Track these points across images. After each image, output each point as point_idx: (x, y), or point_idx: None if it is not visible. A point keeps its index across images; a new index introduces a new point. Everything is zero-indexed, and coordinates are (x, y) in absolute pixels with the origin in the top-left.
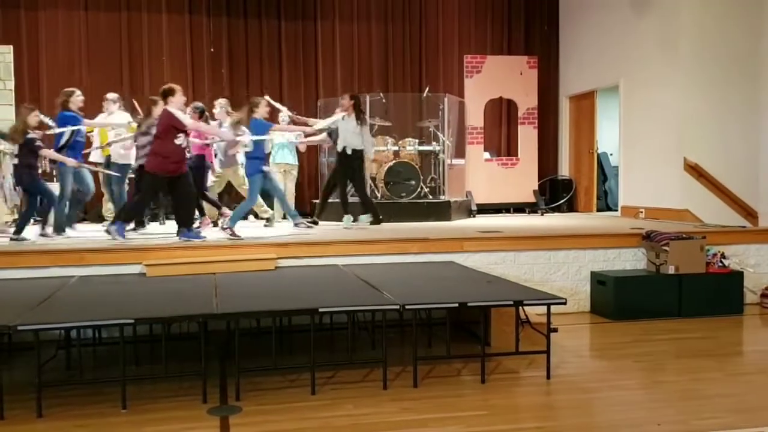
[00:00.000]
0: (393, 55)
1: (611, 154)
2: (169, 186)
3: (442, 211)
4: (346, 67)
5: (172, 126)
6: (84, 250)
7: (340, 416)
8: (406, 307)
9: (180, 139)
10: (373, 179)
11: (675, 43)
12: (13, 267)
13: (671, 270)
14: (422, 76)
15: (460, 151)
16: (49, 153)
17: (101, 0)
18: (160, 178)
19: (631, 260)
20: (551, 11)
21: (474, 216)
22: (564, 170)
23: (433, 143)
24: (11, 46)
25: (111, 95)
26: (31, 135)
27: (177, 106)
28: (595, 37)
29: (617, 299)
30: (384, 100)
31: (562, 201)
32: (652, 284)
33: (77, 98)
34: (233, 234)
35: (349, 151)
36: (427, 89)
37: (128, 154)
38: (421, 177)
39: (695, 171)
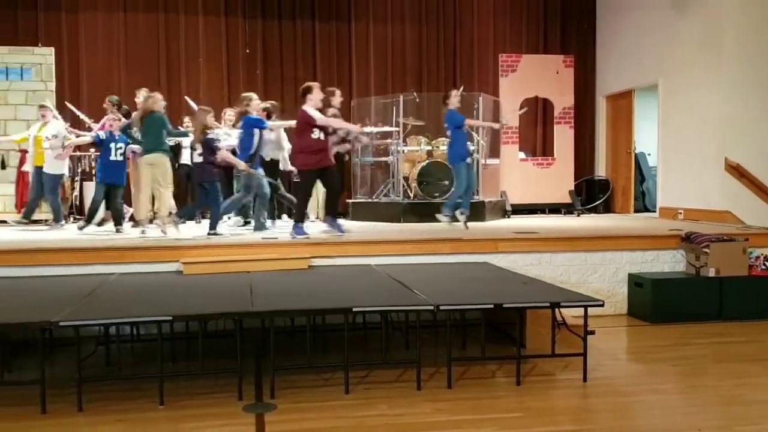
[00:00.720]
0: (427, 55)
1: (649, 154)
2: (319, 178)
3: (476, 212)
4: (379, 67)
5: (306, 122)
6: (124, 248)
7: (374, 416)
8: (441, 307)
9: (316, 134)
10: (406, 179)
11: (717, 42)
12: (55, 264)
13: (712, 272)
14: (456, 76)
15: (494, 151)
16: (225, 154)
17: (140, 2)
18: (309, 172)
19: (669, 262)
20: (588, 9)
21: (509, 216)
22: (601, 170)
23: (467, 143)
24: (53, 48)
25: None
26: (210, 135)
27: (314, 104)
28: (634, 36)
29: (655, 302)
30: (417, 100)
31: (598, 202)
32: (692, 287)
33: (256, 103)
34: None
35: (267, 159)
36: (461, 88)
37: (62, 164)
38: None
39: (737, 171)
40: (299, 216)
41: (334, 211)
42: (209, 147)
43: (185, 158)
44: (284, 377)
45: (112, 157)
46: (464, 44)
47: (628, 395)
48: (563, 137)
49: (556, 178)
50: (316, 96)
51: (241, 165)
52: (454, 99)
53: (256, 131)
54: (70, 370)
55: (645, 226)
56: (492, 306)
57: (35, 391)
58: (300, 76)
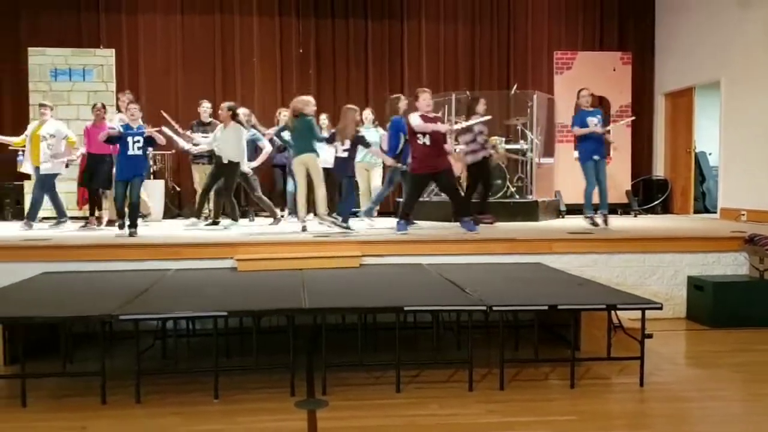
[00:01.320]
0: (480, 53)
1: (710, 154)
2: (435, 182)
3: (529, 211)
4: (432, 66)
5: (409, 130)
6: (180, 245)
7: (426, 415)
8: (494, 308)
9: (421, 139)
10: (458, 178)
11: None
12: (116, 259)
13: None
14: (510, 74)
15: (549, 150)
16: (375, 150)
17: (196, 3)
18: (416, 176)
19: (731, 265)
20: (647, 5)
21: (563, 216)
22: (659, 170)
23: (521, 142)
24: (113, 50)
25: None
26: (361, 132)
27: (422, 108)
28: (695, 32)
29: (716, 305)
30: (470, 99)
31: (656, 202)
32: (755, 291)
33: (404, 103)
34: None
35: (225, 161)
36: (515, 87)
37: (59, 163)
38: (508, 176)
39: None
40: (404, 213)
41: (464, 212)
42: (361, 143)
43: (275, 159)
44: (335, 374)
45: (130, 152)
46: (518, 42)
47: (687, 401)
48: (620, 136)
49: (612, 178)
50: (422, 102)
51: (389, 161)
52: (583, 99)
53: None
54: (128, 362)
55: (705, 227)
56: (546, 307)
57: (96, 382)
58: (352, 75)
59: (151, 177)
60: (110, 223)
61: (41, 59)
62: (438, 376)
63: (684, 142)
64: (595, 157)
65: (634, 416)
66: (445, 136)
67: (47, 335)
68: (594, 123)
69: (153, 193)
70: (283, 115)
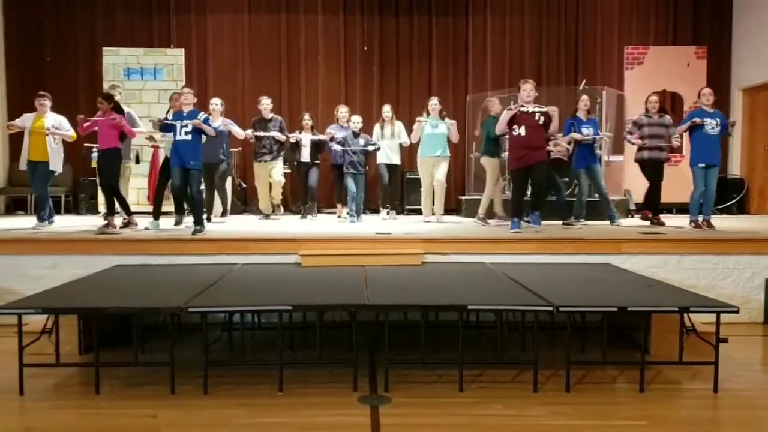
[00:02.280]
0: (547, 47)
1: None
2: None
3: (597, 211)
4: (497, 61)
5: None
6: (247, 240)
7: (489, 415)
8: (560, 308)
9: (516, 131)
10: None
11: None
12: (185, 254)
13: None
14: (578, 69)
15: (618, 147)
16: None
17: (263, 3)
18: (513, 171)
19: None
20: None
21: (632, 216)
22: (735, 169)
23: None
24: (183, 49)
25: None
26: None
27: (523, 99)
28: None
29: None
30: (536, 95)
31: (731, 202)
32: None
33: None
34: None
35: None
36: (583, 82)
37: (59, 160)
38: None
39: None
40: (514, 211)
41: (535, 206)
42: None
43: (305, 156)
44: (397, 371)
45: (178, 137)
46: (587, 36)
47: (764, 409)
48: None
49: (684, 176)
50: (522, 93)
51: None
52: (704, 98)
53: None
54: (196, 353)
55: None
56: (616, 309)
57: (165, 372)
58: (415, 72)
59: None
60: (126, 225)
61: (115, 59)
62: (501, 376)
63: (762, 139)
64: (702, 165)
65: (707, 423)
66: (542, 128)
67: (119, 326)
68: (713, 125)
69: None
70: (342, 112)
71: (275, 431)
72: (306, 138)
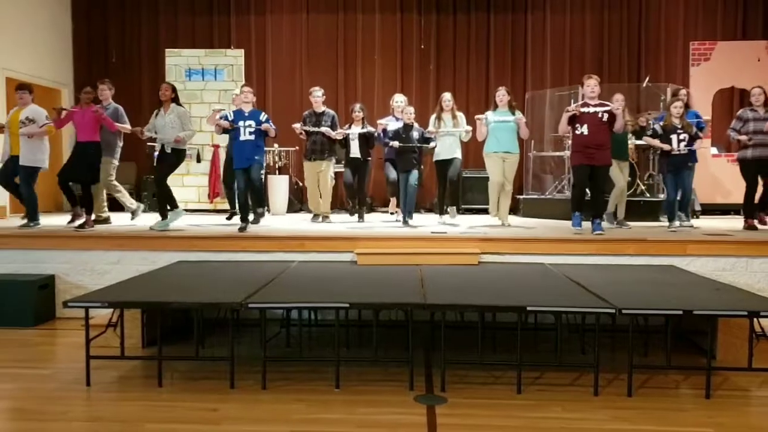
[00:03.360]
0: (609, 44)
1: None
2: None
3: (661, 211)
4: (556, 58)
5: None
6: (304, 237)
7: (548, 418)
8: (623, 311)
9: (578, 129)
10: None
11: None
12: (244, 250)
13: None
14: (641, 66)
15: None
16: (651, 141)
17: (321, 2)
18: (578, 168)
19: None
20: None
21: (698, 217)
22: None
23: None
24: (242, 50)
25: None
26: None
27: (587, 95)
28: None
29: None
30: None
31: None
32: None
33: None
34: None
35: (168, 149)
36: (646, 79)
37: (42, 156)
38: (638, 173)
39: None
40: (575, 207)
41: (596, 211)
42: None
43: (354, 151)
44: (454, 372)
45: (242, 137)
46: (650, 31)
47: None
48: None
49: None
50: (586, 89)
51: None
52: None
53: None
54: (254, 349)
55: None
56: (681, 312)
57: (224, 367)
58: (472, 70)
59: (276, 172)
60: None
61: (177, 60)
62: (561, 378)
63: None
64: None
65: None
66: (606, 126)
67: (179, 321)
68: None
69: (277, 188)
70: (397, 101)
71: (332, 427)
72: (355, 131)
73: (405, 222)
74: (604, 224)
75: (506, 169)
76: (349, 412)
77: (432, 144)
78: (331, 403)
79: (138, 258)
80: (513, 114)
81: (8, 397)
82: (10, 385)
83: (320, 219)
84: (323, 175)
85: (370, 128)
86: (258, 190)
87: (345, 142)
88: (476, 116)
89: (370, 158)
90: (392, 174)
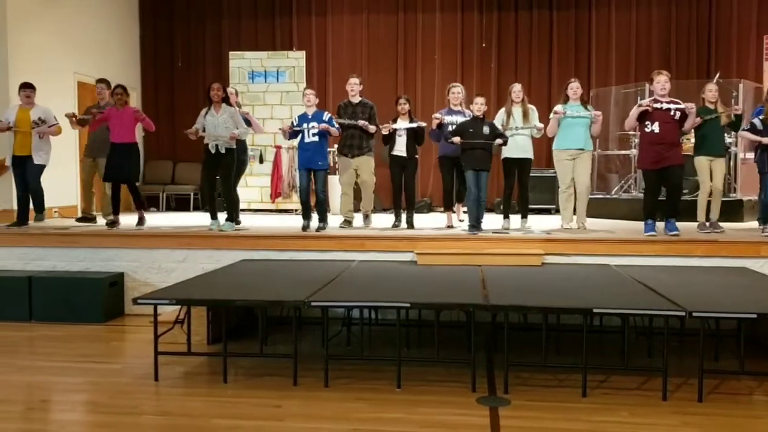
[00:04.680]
0: (676, 39)
1: None
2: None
3: (732, 211)
4: (621, 54)
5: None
6: (364, 237)
7: (615, 422)
8: (693, 314)
9: (648, 127)
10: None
11: None
12: (306, 249)
13: None
14: (711, 61)
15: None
16: (749, 136)
17: (381, 3)
18: (647, 173)
19: None
20: None
21: None
22: None
23: (724, 135)
24: (304, 52)
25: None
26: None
27: (657, 92)
28: None
29: None
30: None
31: None
32: None
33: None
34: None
35: (222, 150)
36: (717, 75)
37: (47, 154)
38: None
39: None
40: (646, 214)
41: (672, 211)
42: None
43: (400, 148)
44: (516, 373)
45: (307, 139)
46: (721, 26)
47: None
48: None
49: None
50: (655, 85)
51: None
52: None
53: None
54: (315, 347)
55: None
56: (755, 316)
57: (287, 364)
58: (534, 67)
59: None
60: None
61: (240, 62)
62: (627, 382)
63: None
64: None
65: None
66: (677, 124)
67: (242, 318)
68: None
69: (337, 188)
70: (455, 92)
71: (394, 427)
72: (402, 125)
73: (474, 228)
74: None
75: (578, 169)
76: (410, 412)
77: (499, 141)
78: (392, 402)
79: (203, 256)
80: (586, 108)
81: (81, 390)
82: (82, 378)
83: (350, 224)
84: (363, 172)
85: (420, 122)
86: (322, 202)
87: (390, 137)
88: (555, 108)
89: (417, 155)
90: (448, 177)
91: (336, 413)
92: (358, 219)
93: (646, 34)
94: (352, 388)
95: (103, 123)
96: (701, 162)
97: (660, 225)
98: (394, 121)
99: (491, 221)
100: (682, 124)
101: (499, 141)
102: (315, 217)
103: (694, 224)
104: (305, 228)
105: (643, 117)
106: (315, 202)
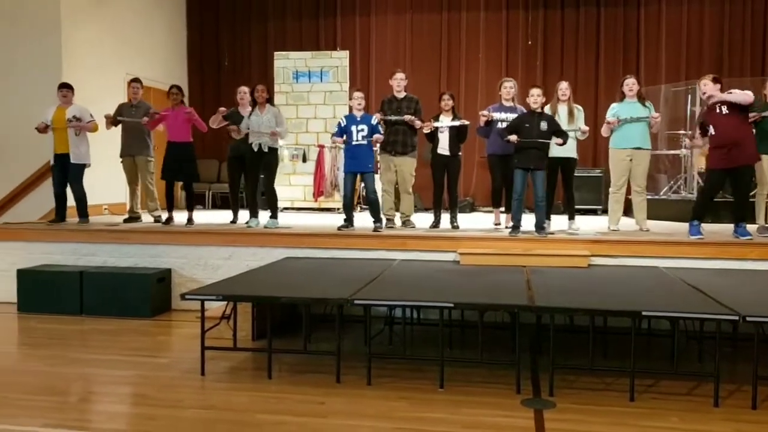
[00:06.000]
0: (729, 36)
1: None
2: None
3: None
4: (672, 52)
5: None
6: (406, 236)
7: (664, 428)
8: (747, 318)
9: (711, 131)
10: (701, 174)
11: None
12: (348, 248)
13: None
14: (766, 60)
15: None
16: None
17: (425, 2)
18: (715, 174)
19: None
20: None
21: None
22: None
23: None
24: (347, 51)
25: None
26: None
27: (704, 97)
28: None
29: None
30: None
31: None
32: None
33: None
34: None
35: (265, 149)
36: None
37: (87, 152)
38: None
39: None
40: (697, 214)
41: (740, 215)
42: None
43: (443, 146)
44: (561, 376)
45: (354, 141)
46: None
47: None
48: None
49: None
50: (709, 87)
51: None
52: None
53: None
54: (357, 345)
55: None
56: None
57: (330, 361)
58: (581, 65)
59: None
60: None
61: (285, 62)
62: (677, 387)
63: None
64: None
65: None
66: (738, 118)
67: (285, 315)
68: None
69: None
70: (507, 87)
71: (437, 427)
72: (445, 123)
73: (516, 229)
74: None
75: (634, 169)
76: (453, 413)
77: (558, 141)
78: (435, 402)
79: (248, 254)
80: (644, 105)
81: (129, 383)
82: (130, 372)
83: (391, 225)
84: (403, 173)
85: (463, 120)
86: (374, 201)
87: (433, 135)
88: (607, 118)
89: (460, 153)
90: (497, 176)
91: (379, 411)
92: (398, 220)
93: (697, 30)
94: (394, 386)
95: (161, 123)
96: (762, 160)
97: (707, 227)
98: (436, 118)
99: (555, 223)
100: (745, 114)
101: (558, 141)
102: (356, 219)
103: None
104: (341, 227)
105: (703, 128)
106: (367, 204)
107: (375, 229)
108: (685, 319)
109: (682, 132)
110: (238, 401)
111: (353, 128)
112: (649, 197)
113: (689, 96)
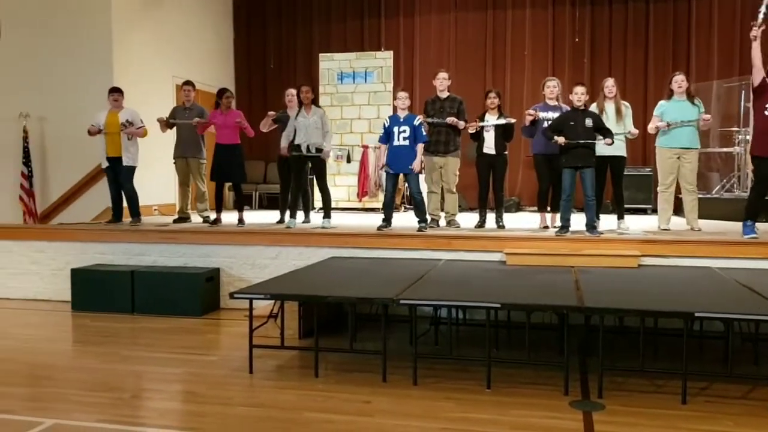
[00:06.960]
0: None
1: None
2: None
3: None
4: (724, 48)
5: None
6: (451, 236)
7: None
8: None
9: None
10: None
11: None
12: (393, 248)
13: None
14: None
15: None
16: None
17: (469, 1)
18: (760, 159)
19: None
20: None
21: None
22: None
23: None
24: (391, 52)
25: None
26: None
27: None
28: None
29: None
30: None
31: None
32: None
33: None
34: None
35: (312, 150)
36: None
37: (136, 155)
38: None
39: None
40: (750, 213)
41: (753, 215)
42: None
43: (488, 145)
44: (610, 378)
45: (395, 142)
46: None
47: None
48: None
49: None
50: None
51: None
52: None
53: None
54: (402, 345)
55: None
56: None
57: (376, 361)
58: (629, 62)
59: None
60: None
61: (329, 64)
62: (731, 391)
63: None
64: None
65: None
66: None
67: (331, 314)
68: None
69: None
70: (551, 86)
71: (485, 427)
72: (491, 121)
73: (591, 229)
74: None
75: (683, 169)
76: (500, 413)
77: (608, 141)
78: (481, 403)
79: (295, 253)
80: (693, 103)
81: (180, 380)
82: (181, 369)
83: (434, 225)
84: (446, 173)
85: (509, 118)
86: (419, 203)
87: (478, 134)
88: (656, 122)
89: (506, 152)
90: (544, 176)
91: (425, 411)
92: (443, 220)
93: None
94: (440, 387)
95: (210, 126)
96: None
97: (761, 226)
98: (482, 117)
99: (605, 222)
100: None
101: (607, 141)
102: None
103: None
104: (380, 228)
105: (760, 95)
106: (412, 204)
107: (419, 229)
108: (739, 320)
109: (735, 129)
110: (286, 399)
111: (395, 129)
112: (701, 196)
113: (742, 92)
